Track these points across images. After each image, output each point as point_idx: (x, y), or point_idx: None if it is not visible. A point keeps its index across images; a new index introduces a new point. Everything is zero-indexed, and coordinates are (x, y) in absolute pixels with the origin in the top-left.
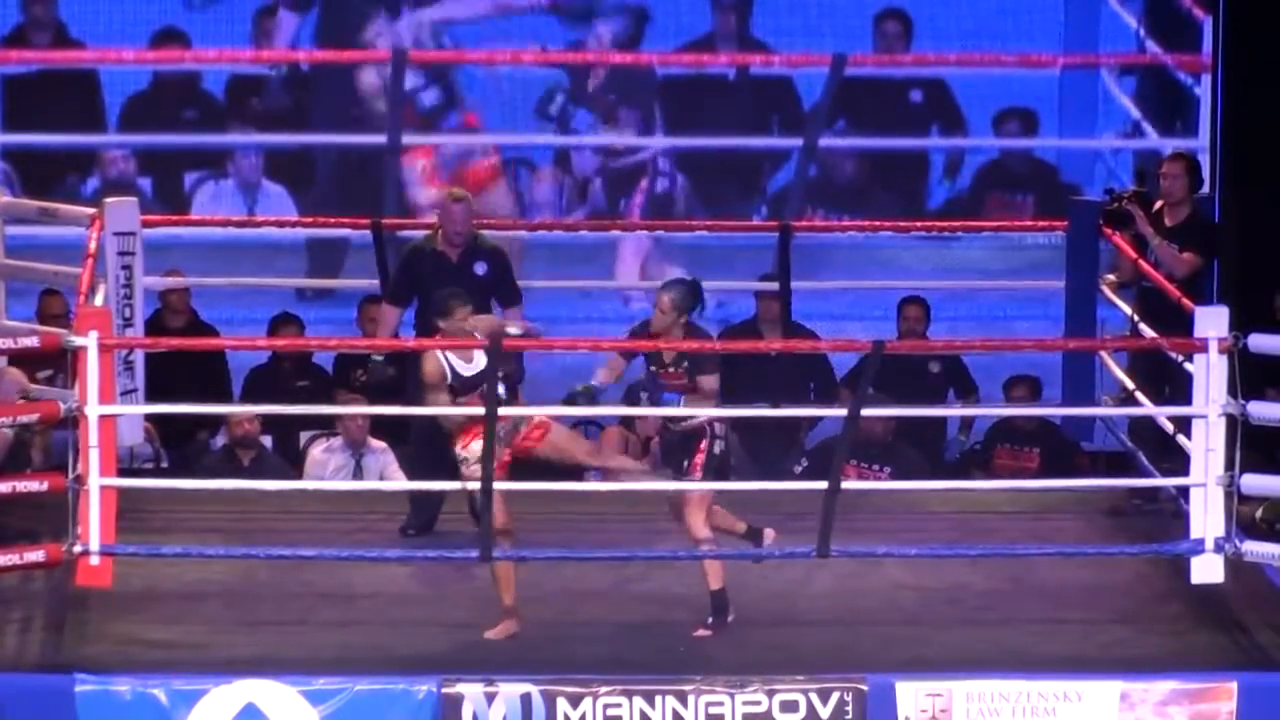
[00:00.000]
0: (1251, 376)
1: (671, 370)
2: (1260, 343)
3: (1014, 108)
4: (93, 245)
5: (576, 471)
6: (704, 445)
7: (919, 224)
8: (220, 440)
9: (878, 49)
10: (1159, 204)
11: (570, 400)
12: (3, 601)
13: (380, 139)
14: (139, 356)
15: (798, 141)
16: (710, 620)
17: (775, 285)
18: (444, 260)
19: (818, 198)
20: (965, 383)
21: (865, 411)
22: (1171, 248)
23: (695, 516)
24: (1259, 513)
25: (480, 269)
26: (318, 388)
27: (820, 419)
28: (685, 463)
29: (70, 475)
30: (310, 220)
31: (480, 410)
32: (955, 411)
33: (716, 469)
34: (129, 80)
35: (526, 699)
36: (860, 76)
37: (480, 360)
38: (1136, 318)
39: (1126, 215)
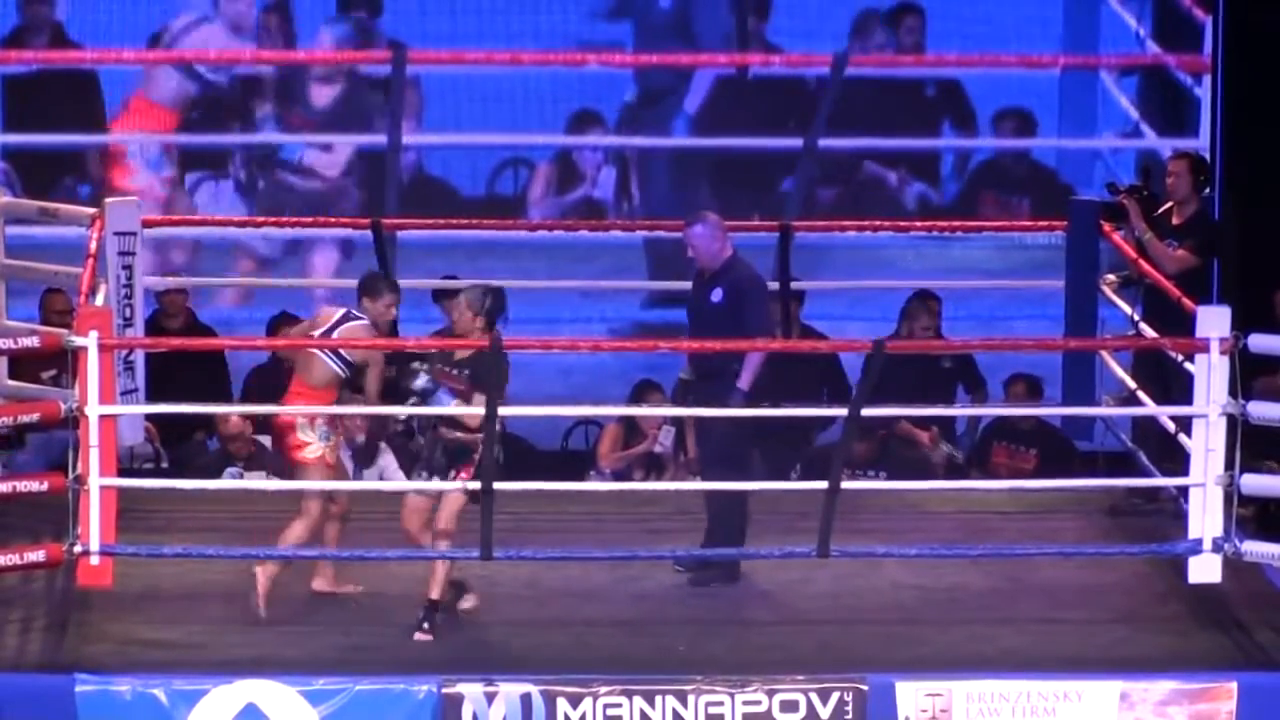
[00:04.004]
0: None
1: (454, 373)
2: (1260, 343)
3: (1011, 108)
4: (93, 245)
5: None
6: (476, 459)
7: (919, 224)
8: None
9: (896, 45)
10: (1168, 204)
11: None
12: (3, 601)
13: (381, 139)
14: (139, 356)
15: (798, 142)
16: (424, 625)
17: (775, 285)
18: (699, 279)
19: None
20: (974, 378)
21: (865, 411)
22: (1167, 244)
23: (449, 518)
24: None
25: (716, 295)
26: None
27: (832, 421)
28: (452, 472)
29: (70, 475)
30: (310, 220)
31: (479, 410)
32: (959, 411)
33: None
34: (129, 80)
35: (526, 699)
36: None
37: None
38: (1138, 317)
39: (1124, 209)
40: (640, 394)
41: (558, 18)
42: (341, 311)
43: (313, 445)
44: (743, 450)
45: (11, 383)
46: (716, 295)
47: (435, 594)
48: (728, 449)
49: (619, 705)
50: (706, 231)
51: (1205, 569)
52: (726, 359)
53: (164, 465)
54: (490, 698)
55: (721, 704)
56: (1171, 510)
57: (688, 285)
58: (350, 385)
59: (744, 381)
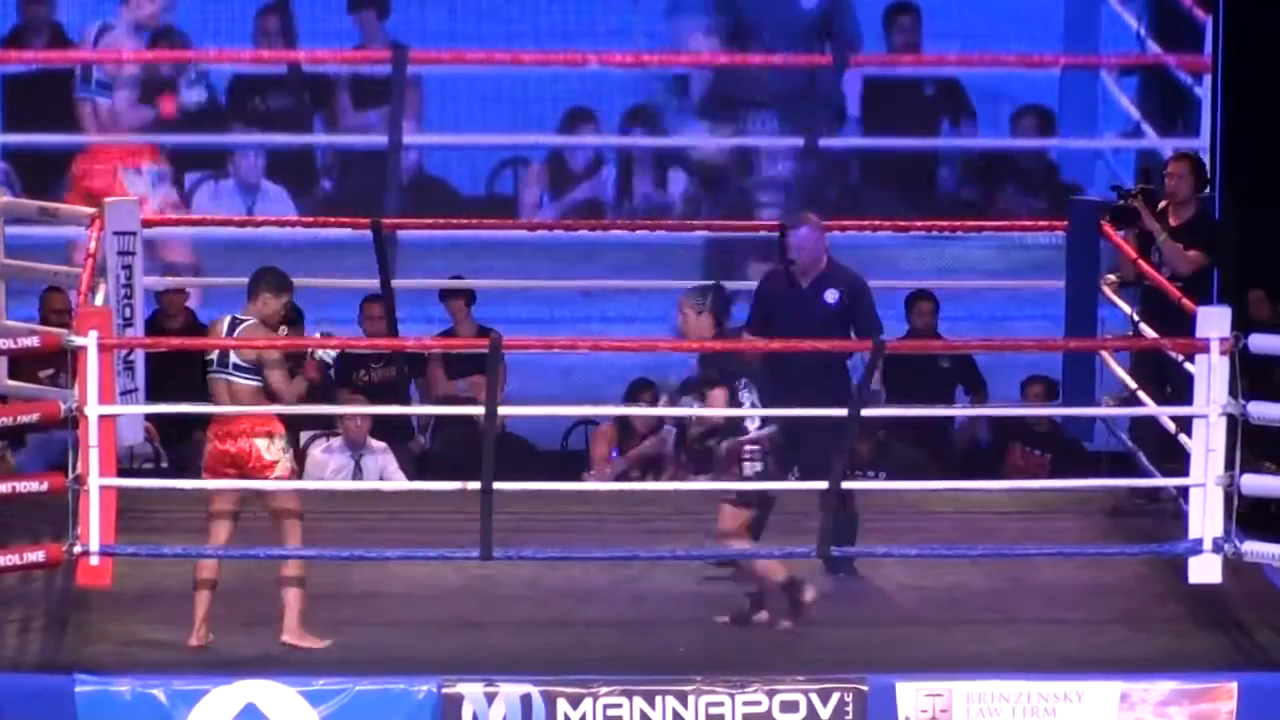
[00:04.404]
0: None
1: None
2: (1260, 343)
3: (1031, 105)
4: (93, 245)
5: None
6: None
7: (919, 224)
8: None
9: (890, 44)
10: (1164, 203)
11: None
12: (3, 601)
13: (381, 139)
14: (139, 356)
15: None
16: (790, 611)
17: None
18: (792, 281)
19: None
20: (974, 378)
21: (865, 412)
22: (1178, 246)
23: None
24: None
25: (831, 297)
26: (318, 387)
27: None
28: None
29: (70, 475)
30: (310, 220)
31: (479, 410)
32: (959, 411)
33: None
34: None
35: (526, 699)
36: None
37: None
38: (1138, 317)
39: (1133, 212)
40: (634, 393)
41: (557, 18)
42: (227, 319)
43: (281, 461)
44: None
45: (11, 382)
46: (832, 297)
47: (780, 577)
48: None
49: (619, 705)
50: (811, 234)
51: (1205, 569)
52: (836, 357)
53: (164, 465)
54: (490, 698)
55: (721, 704)
56: (1172, 510)
57: (688, 285)
58: (344, 384)
59: (874, 381)
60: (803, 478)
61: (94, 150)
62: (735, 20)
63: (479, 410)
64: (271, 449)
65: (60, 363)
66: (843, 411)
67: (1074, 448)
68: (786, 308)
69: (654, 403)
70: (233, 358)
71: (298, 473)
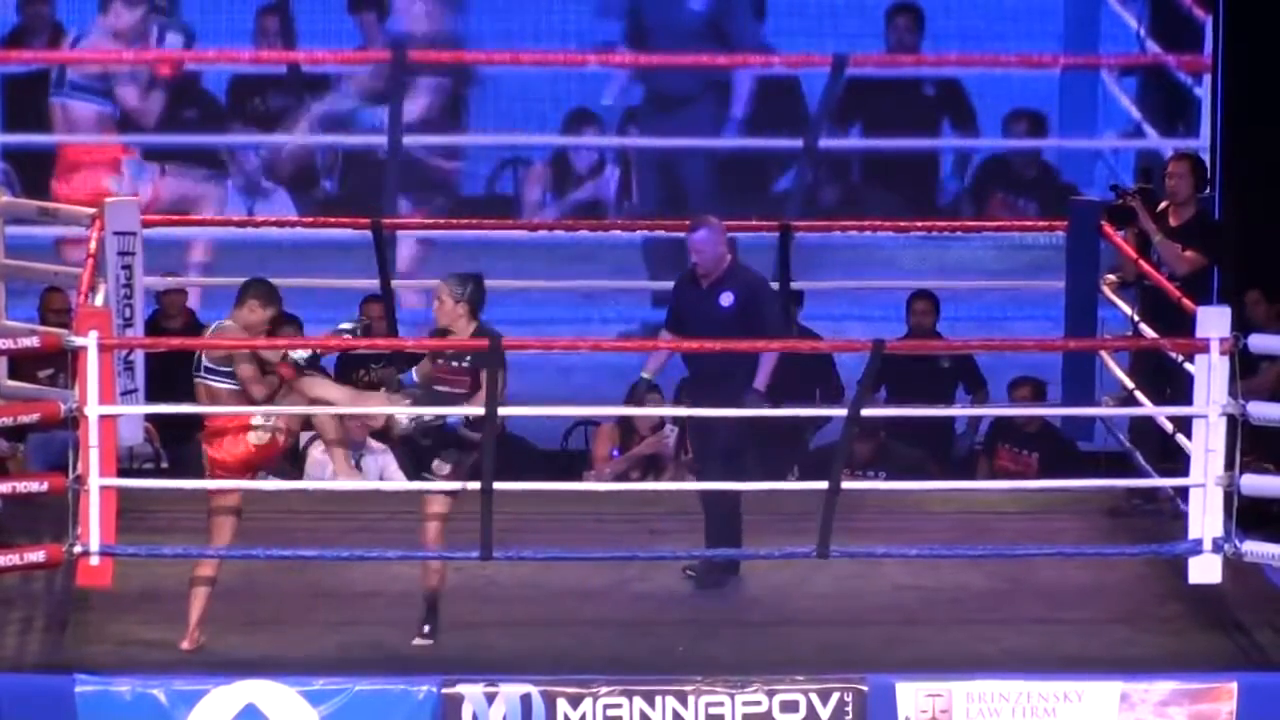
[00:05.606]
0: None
1: (454, 366)
2: (1260, 343)
3: (1023, 109)
4: (93, 245)
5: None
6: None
7: (919, 224)
8: None
9: (889, 44)
10: (1164, 204)
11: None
12: (3, 601)
13: (380, 139)
14: (139, 356)
15: (799, 142)
16: (426, 629)
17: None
18: (695, 284)
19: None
20: (975, 378)
21: (865, 411)
22: (1174, 246)
23: (432, 526)
24: None
25: (726, 299)
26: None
27: (827, 421)
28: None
29: (70, 475)
30: (310, 220)
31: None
32: (959, 411)
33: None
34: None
35: (526, 699)
36: (870, 74)
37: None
38: (1137, 318)
39: (1130, 212)
40: (636, 394)
41: (556, 17)
42: (213, 326)
43: (269, 436)
44: (744, 450)
45: (11, 383)
46: (727, 299)
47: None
48: (731, 448)
49: (619, 705)
50: (711, 235)
51: (1205, 569)
52: (737, 360)
53: (164, 465)
54: (490, 698)
55: (721, 704)
56: (1171, 511)
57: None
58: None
59: (760, 382)
60: (706, 476)
61: (69, 154)
62: (637, 23)
63: (479, 410)
64: (256, 434)
65: (60, 363)
66: (842, 411)
67: (1066, 447)
68: (689, 308)
69: (658, 404)
70: (205, 360)
71: (292, 432)
